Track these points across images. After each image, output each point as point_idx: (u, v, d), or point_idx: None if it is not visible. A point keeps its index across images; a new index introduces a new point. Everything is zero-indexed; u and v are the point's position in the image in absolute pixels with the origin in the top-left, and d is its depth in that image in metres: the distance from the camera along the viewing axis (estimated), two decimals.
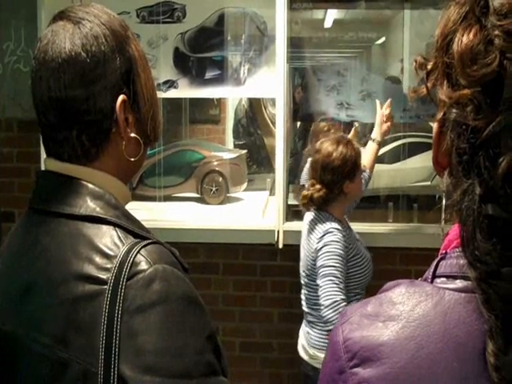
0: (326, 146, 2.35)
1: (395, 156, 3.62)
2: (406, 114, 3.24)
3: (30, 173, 3.08)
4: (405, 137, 3.57)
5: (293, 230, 3.07)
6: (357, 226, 2.58)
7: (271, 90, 3.10)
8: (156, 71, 3.12)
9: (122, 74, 0.90)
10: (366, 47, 3.53)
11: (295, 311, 2.47)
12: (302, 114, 3.53)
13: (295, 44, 3.26)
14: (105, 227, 0.84)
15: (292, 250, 2.79)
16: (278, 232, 3.02)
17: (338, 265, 2.19)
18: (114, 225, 0.85)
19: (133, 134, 0.91)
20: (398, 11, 3.30)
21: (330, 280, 2.17)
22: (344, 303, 2.15)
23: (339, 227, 2.28)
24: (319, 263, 2.22)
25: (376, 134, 2.71)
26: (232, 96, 4.18)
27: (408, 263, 3.06)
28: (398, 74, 3.39)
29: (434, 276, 0.61)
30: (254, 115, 4.51)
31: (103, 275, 0.79)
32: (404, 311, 0.59)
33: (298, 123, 4.34)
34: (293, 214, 3.26)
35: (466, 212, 0.55)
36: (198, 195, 3.72)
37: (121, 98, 0.89)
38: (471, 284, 0.55)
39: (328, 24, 3.48)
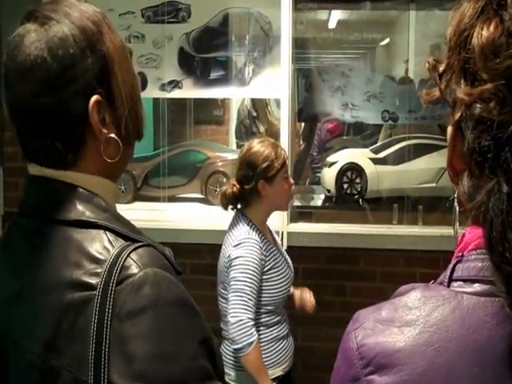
0: (252, 144, 2.19)
1: (400, 157, 3.61)
2: (412, 115, 3.22)
3: None
4: (409, 138, 3.56)
5: (297, 231, 3.07)
6: (361, 228, 2.56)
7: (276, 91, 3.09)
8: (160, 71, 3.12)
9: (96, 74, 0.84)
10: (371, 48, 3.52)
11: (298, 313, 2.46)
12: (306, 114, 3.52)
13: (300, 45, 3.25)
14: (94, 231, 0.82)
15: (296, 252, 2.78)
16: (283, 233, 3.01)
17: (249, 280, 2.04)
18: (104, 228, 0.82)
19: (112, 135, 0.86)
20: (403, 12, 3.29)
21: (239, 296, 2.03)
22: (250, 322, 2.01)
23: (257, 238, 2.11)
24: (231, 275, 2.06)
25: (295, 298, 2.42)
26: (236, 96, 4.18)
27: (412, 265, 3.04)
28: (402, 75, 3.38)
29: (451, 280, 0.59)
30: (256, 115, 4.50)
31: (93, 280, 0.77)
32: (421, 316, 0.57)
33: (303, 124, 4.33)
34: (297, 215, 3.25)
35: (493, 212, 0.53)
36: (203, 196, 3.71)
37: (94, 98, 0.83)
38: (491, 288, 0.54)
39: (333, 25, 3.48)
